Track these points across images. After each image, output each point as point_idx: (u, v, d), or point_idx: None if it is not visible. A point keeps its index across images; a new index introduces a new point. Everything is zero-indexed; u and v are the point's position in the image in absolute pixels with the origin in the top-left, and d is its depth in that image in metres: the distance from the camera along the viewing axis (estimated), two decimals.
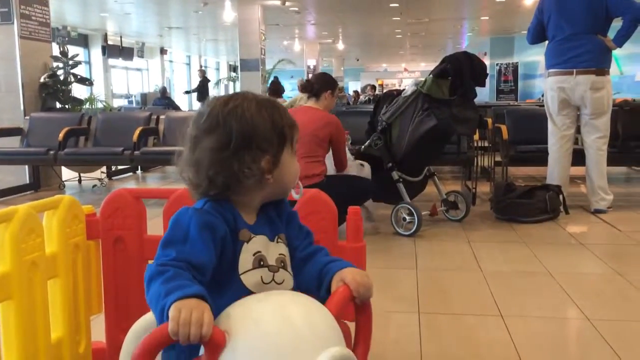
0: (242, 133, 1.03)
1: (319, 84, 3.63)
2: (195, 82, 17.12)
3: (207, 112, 1.07)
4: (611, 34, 4.27)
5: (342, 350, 0.86)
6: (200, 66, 22.19)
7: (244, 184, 1.05)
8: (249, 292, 1.01)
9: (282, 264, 1.08)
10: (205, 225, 1.00)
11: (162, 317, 0.88)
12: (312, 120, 3.44)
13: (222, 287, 1.00)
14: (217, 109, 1.06)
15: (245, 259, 1.04)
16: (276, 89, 8.28)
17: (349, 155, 3.77)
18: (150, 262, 1.55)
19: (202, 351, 0.89)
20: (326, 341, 0.87)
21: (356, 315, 1.03)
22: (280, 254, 1.09)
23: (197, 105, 14.90)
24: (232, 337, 0.87)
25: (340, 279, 1.02)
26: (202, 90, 14.74)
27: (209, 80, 15.94)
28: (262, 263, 1.05)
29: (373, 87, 17.85)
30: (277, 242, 1.10)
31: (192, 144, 1.07)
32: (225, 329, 0.88)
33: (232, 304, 0.94)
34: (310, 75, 18.65)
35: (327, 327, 0.91)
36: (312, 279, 1.09)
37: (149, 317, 1.18)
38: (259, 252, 1.05)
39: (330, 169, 3.60)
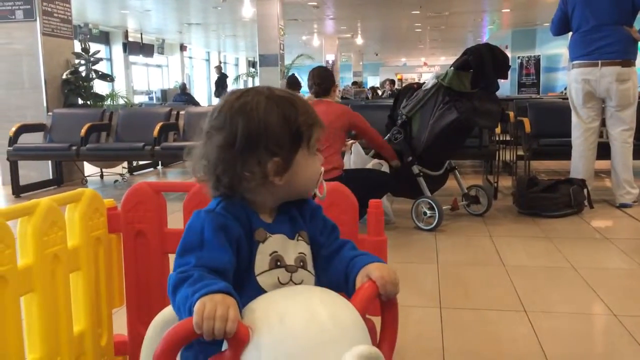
0: (247, 133, 0.98)
1: (327, 83, 3.62)
2: (214, 78, 17.18)
3: (219, 107, 1.03)
4: (637, 24, 4.19)
5: (368, 348, 0.83)
6: (219, 62, 22.28)
7: (247, 186, 0.99)
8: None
9: (302, 264, 1.03)
10: (218, 227, 0.97)
11: (190, 314, 0.85)
12: (327, 112, 3.42)
13: (239, 289, 0.95)
14: (227, 105, 1.01)
15: (261, 260, 1.00)
16: (292, 82, 8.28)
17: (362, 152, 3.76)
18: (171, 255, 1.56)
19: (224, 347, 0.87)
20: (352, 339, 0.85)
21: (382, 312, 1.00)
22: (300, 253, 1.04)
23: (216, 102, 14.94)
24: (256, 333, 0.85)
25: (366, 274, 0.98)
26: (220, 86, 14.78)
27: (226, 76, 15.95)
28: (278, 263, 1.01)
29: (392, 82, 17.71)
30: (298, 240, 1.05)
31: (204, 139, 1.03)
32: (249, 325, 0.86)
33: (256, 298, 0.92)
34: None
35: (353, 324, 0.89)
36: (339, 274, 1.04)
37: (170, 310, 1.18)
38: (276, 252, 1.01)
39: (347, 164, 3.59)
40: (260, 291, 0.97)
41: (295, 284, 1.02)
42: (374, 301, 0.98)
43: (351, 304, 0.91)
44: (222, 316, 0.81)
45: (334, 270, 1.06)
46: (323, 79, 3.66)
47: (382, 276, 0.96)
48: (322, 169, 1.07)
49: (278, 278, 1.00)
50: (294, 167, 1.01)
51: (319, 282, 1.07)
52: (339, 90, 3.74)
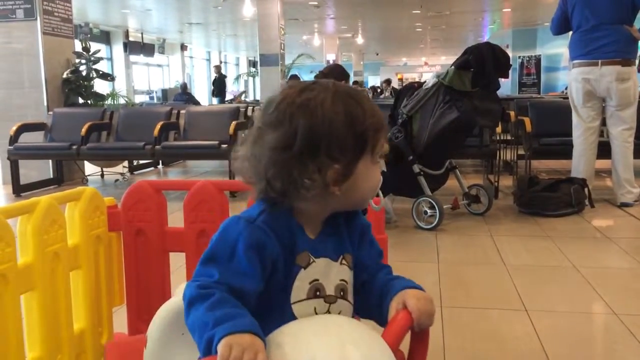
0: (309, 135, 0.85)
1: (333, 77, 3.62)
2: (213, 77, 17.14)
3: (277, 102, 0.89)
4: (637, 24, 4.18)
5: None
6: (220, 62, 22.28)
7: (305, 194, 0.87)
8: None
9: (342, 293, 0.94)
10: (254, 244, 0.86)
11: (208, 349, 0.78)
12: None
13: (270, 313, 0.88)
14: (287, 100, 0.88)
15: (300, 287, 0.90)
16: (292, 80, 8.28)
17: None
18: (171, 254, 1.56)
19: None
20: None
21: (412, 342, 0.93)
22: (341, 280, 0.94)
23: (215, 102, 14.92)
24: None
25: (401, 301, 0.89)
26: (218, 87, 14.72)
27: (225, 76, 15.83)
28: (318, 293, 0.91)
29: (387, 81, 17.57)
30: (341, 264, 0.95)
31: (255, 137, 0.90)
32: None
33: (282, 328, 0.85)
34: None
35: None
36: (372, 298, 0.96)
37: (173, 302, 1.18)
38: (317, 280, 0.91)
39: None
40: (292, 319, 0.89)
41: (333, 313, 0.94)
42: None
43: (383, 341, 0.85)
44: None
45: (367, 294, 0.98)
46: (330, 71, 3.68)
47: (419, 308, 0.87)
48: (381, 178, 0.95)
49: (315, 309, 0.91)
50: (355, 176, 0.89)
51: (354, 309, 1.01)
52: None
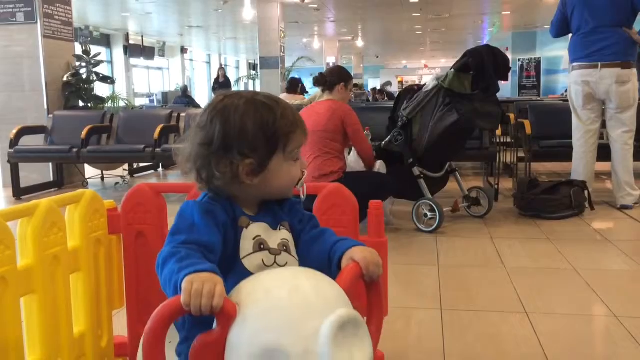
0: (223, 135, 1.04)
1: (332, 77, 3.60)
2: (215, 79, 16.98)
3: (205, 107, 1.10)
4: (637, 26, 4.19)
5: (349, 311, 0.87)
6: (220, 64, 22.26)
7: (217, 183, 1.07)
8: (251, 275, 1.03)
9: (285, 248, 1.10)
10: (206, 211, 1.03)
11: (175, 293, 0.89)
12: (320, 114, 3.44)
13: (226, 273, 1.00)
14: (211, 106, 1.08)
15: (246, 244, 1.06)
16: (293, 84, 8.33)
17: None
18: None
19: (214, 326, 0.90)
20: (335, 307, 0.88)
21: (367, 294, 1.03)
22: (282, 239, 1.10)
23: None
24: (242, 307, 0.88)
25: (349, 257, 1.03)
26: (224, 87, 14.60)
27: (229, 80, 15.49)
28: (262, 247, 1.07)
29: (380, 91, 16.96)
30: (280, 229, 1.12)
31: (191, 135, 1.10)
32: (236, 302, 0.89)
33: (245, 279, 0.96)
34: None
35: (336, 295, 0.92)
36: (322, 259, 1.09)
37: None
38: (259, 236, 1.07)
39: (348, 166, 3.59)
40: (247, 273, 1.02)
41: (280, 265, 1.07)
42: (359, 282, 1.01)
43: (332, 280, 0.95)
44: (209, 292, 0.85)
45: (316, 255, 1.11)
46: (330, 73, 3.67)
47: (364, 257, 1.01)
48: (305, 173, 1.15)
49: (262, 260, 1.05)
50: (269, 171, 1.07)
51: (301, 264, 1.12)
52: (352, 92, 3.66)
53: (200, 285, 0.85)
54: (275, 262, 1.07)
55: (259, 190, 1.09)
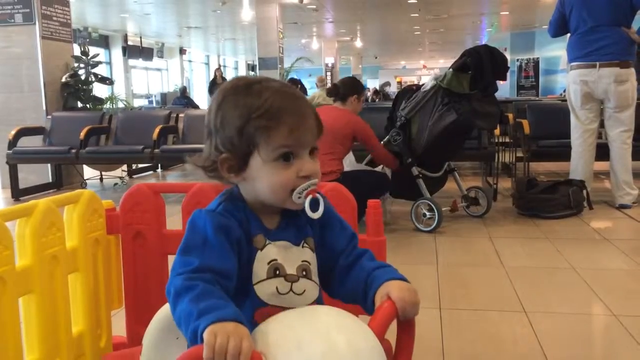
0: (209, 126, 0.97)
1: (345, 89, 3.68)
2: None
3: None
4: (635, 25, 4.19)
5: None
6: (219, 65, 22.24)
7: (208, 175, 0.99)
8: (265, 304, 0.94)
9: (304, 273, 0.97)
10: (220, 227, 0.92)
11: (194, 339, 0.80)
12: (335, 118, 3.50)
13: (235, 297, 0.91)
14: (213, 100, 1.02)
15: (259, 268, 0.95)
16: (292, 84, 8.32)
17: (354, 162, 3.78)
18: (170, 257, 1.56)
19: None
20: None
21: (398, 331, 0.95)
22: (303, 261, 0.98)
23: None
24: None
25: (385, 293, 0.92)
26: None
27: (217, 82, 15.07)
28: (277, 272, 0.95)
29: (375, 92, 16.95)
30: (303, 247, 0.99)
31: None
32: (262, 351, 0.80)
33: (269, 319, 0.87)
34: (328, 74, 18.64)
35: (371, 352, 0.85)
36: (357, 287, 0.98)
37: (167, 307, 1.18)
38: (275, 260, 0.95)
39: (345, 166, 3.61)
40: (257, 300, 0.94)
41: (296, 293, 0.96)
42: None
43: (368, 329, 0.87)
44: (234, 348, 0.75)
45: (352, 282, 1.00)
46: (343, 84, 3.77)
47: (402, 298, 0.90)
48: (312, 181, 0.95)
49: (277, 288, 0.95)
50: (250, 171, 0.95)
51: (335, 292, 1.03)
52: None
53: (224, 340, 0.75)
54: (291, 289, 0.96)
55: (253, 192, 0.97)
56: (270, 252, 0.96)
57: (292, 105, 0.94)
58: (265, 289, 0.94)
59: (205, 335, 0.77)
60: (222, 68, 18.75)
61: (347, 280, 1.00)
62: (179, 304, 0.84)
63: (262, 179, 0.95)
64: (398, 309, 0.90)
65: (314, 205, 0.94)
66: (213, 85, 13.62)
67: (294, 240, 0.98)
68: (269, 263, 0.95)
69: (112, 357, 1.50)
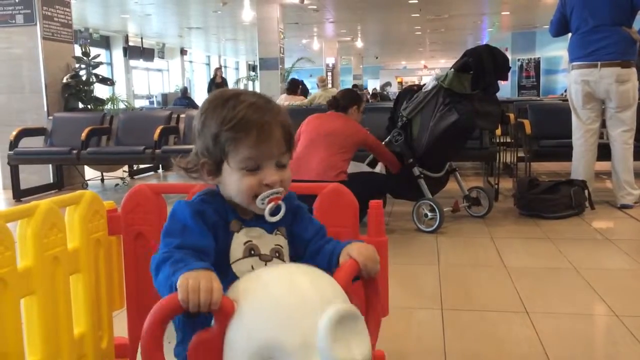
0: (195, 130, 1.06)
1: (345, 100, 3.71)
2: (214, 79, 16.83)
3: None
4: (636, 25, 4.19)
5: (346, 306, 0.86)
6: (220, 65, 22.24)
7: (192, 176, 1.09)
8: None
9: (277, 254, 1.07)
10: (196, 212, 1.02)
11: (171, 291, 0.88)
12: (344, 124, 3.55)
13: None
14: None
15: (236, 249, 1.04)
16: (293, 85, 8.36)
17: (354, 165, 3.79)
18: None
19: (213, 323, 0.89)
20: (333, 302, 0.88)
21: (365, 291, 1.03)
22: (276, 244, 1.08)
23: None
24: (240, 303, 0.87)
25: (346, 254, 1.03)
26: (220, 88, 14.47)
27: (217, 81, 14.85)
28: (253, 252, 1.05)
29: (372, 95, 16.96)
30: (275, 234, 1.09)
31: None
32: (233, 298, 0.88)
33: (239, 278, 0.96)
34: (329, 74, 18.64)
35: (334, 290, 0.92)
36: (323, 262, 1.07)
37: None
38: (250, 241, 1.05)
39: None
40: (235, 278, 0.99)
41: None
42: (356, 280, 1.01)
43: (332, 278, 0.94)
44: (206, 287, 0.83)
45: (320, 261, 1.08)
46: (343, 96, 3.79)
47: (361, 253, 1.01)
48: (276, 190, 1.03)
49: (252, 266, 1.03)
50: (223, 176, 1.05)
51: None
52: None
53: (196, 282, 0.84)
54: None
55: (227, 193, 1.07)
56: (246, 234, 1.06)
57: (260, 119, 1.02)
58: (241, 267, 1.03)
59: (179, 280, 0.85)
60: (222, 68, 18.75)
61: (315, 261, 1.08)
62: (159, 273, 0.93)
63: (231, 184, 1.04)
64: (359, 263, 1.00)
65: (276, 211, 1.04)
66: (212, 85, 13.60)
67: (268, 229, 1.08)
68: (244, 244, 1.05)
69: None
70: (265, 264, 1.05)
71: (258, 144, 1.01)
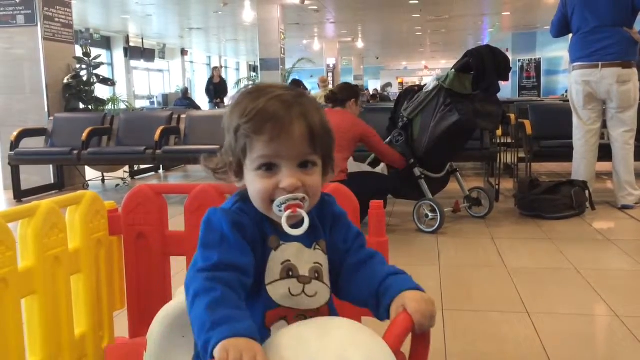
0: (224, 127, 0.96)
1: (343, 94, 3.72)
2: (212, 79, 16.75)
3: None
4: (637, 26, 4.18)
5: None
6: (220, 66, 22.24)
7: (219, 177, 0.99)
8: (276, 305, 0.93)
9: (317, 275, 0.96)
10: (235, 225, 0.91)
11: (205, 351, 0.78)
12: (341, 120, 3.52)
13: (249, 297, 0.90)
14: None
15: (272, 268, 0.93)
16: (294, 85, 8.34)
17: (355, 165, 3.79)
18: (172, 257, 1.56)
19: None
20: None
21: (412, 344, 0.92)
22: (315, 263, 0.97)
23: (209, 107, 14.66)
24: None
25: (402, 304, 0.89)
26: (220, 92, 14.44)
27: (214, 81, 14.65)
28: (290, 273, 0.94)
29: (371, 96, 16.99)
30: (315, 249, 0.98)
31: None
32: None
33: (282, 332, 0.85)
34: (330, 74, 18.63)
35: None
36: (369, 292, 0.96)
37: (173, 305, 1.18)
38: (288, 261, 0.94)
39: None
40: (269, 301, 0.92)
41: (308, 295, 0.95)
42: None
43: (384, 343, 0.85)
44: None
45: (362, 284, 0.98)
46: (340, 90, 3.80)
47: (419, 310, 0.87)
48: (292, 196, 0.90)
49: (289, 289, 0.93)
50: (246, 177, 0.95)
51: (343, 294, 1.01)
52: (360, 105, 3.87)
53: (238, 356, 0.73)
54: (303, 291, 0.94)
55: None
56: (284, 252, 0.94)
57: (279, 113, 0.90)
58: (277, 290, 0.93)
59: (217, 352, 0.75)
60: (221, 69, 18.71)
61: (355, 280, 0.99)
62: (195, 305, 0.83)
63: (249, 187, 0.94)
64: (414, 321, 0.87)
65: (299, 223, 0.91)
66: (210, 85, 13.57)
67: (306, 242, 0.96)
68: (282, 263, 0.94)
69: (114, 349, 1.50)
70: (303, 287, 0.94)
71: (273, 141, 0.89)
